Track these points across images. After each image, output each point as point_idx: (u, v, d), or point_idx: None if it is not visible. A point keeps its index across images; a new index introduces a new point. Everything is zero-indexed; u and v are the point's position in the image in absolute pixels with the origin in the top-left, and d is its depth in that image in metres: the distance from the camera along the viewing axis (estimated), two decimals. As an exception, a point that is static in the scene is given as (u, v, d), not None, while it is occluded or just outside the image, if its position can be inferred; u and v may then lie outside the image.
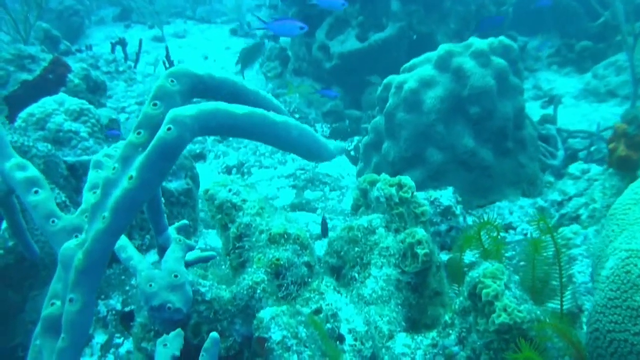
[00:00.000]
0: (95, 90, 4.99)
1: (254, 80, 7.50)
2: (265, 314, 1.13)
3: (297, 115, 5.45)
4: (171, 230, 1.49)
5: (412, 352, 1.39)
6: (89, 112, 3.54)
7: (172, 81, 0.97)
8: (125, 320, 2.74)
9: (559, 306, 1.47)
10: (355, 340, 1.26)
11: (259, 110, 0.97)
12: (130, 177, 0.85)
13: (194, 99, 1.12)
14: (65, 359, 0.90)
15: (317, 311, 1.30)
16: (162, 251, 1.51)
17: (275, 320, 1.10)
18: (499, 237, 1.82)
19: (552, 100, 6.18)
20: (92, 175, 1.18)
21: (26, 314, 2.74)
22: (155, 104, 0.95)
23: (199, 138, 5.42)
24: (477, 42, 3.46)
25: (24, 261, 2.57)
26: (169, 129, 0.85)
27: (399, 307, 1.55)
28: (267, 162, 4.61)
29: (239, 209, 1.64)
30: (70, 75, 4.71)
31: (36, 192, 1.12)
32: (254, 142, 5.08)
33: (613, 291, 1.03)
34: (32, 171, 1.16)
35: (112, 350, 2.69)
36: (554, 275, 1.46)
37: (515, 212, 3.25)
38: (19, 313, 2.70)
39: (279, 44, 7.59)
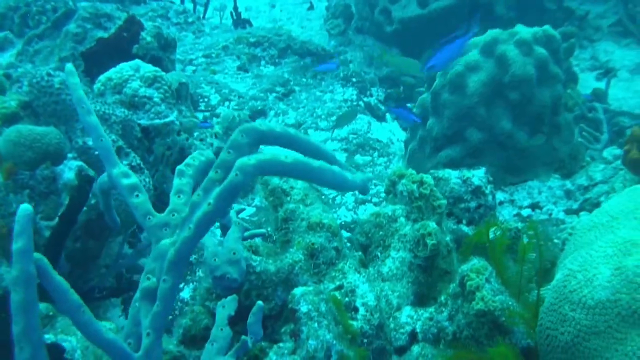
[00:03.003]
0: (165, 47, 5.29)
1: (317, 36, 7.78)
2: (297, 291, 1.54)
3: (353, 79, 5.72)
4: (232, 214, 1.90)
5: (414, 322, 1.79)
6: (162, 79, 3.89)
7: (242, 136, 1.36)
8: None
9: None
10: (367, 311, 1.66)
11: (301, 160, 1.34)
12: (209, 204, 1.25)
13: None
14: (158, 319, 1.33)
15: (339, 287, 1.71)
16: (223, 229, 1.93)
17: (304, 297, 1.51)
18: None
19: (607, 73, 6.27)
20: (176, 182, 1.59)
21: (101, 259, 3.17)
22: (229, 152, 1.34)
23: (261, 95, 5.80)
24: (522, 31, 3.71)
25: (103, 216, 3.03)
26: (236, 174, 1.24)
27: (410, 284, 1.94)
28: (323, 125, 4.96)
29: (287, 194, 2.05)
30: (143, 33, 4.89)
31: (137, 195, 1.54)
32: (312, 104, 5.43)
33: (554, 299, 1.39)
34: (134, 179, 1.58)
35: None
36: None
37: (543, 193, 3.56)
38: (96, 259, 3.14)
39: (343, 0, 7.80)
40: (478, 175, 3.30)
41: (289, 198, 2.03)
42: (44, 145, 2.97)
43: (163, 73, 3.99)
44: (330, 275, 1.75)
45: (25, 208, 1.25)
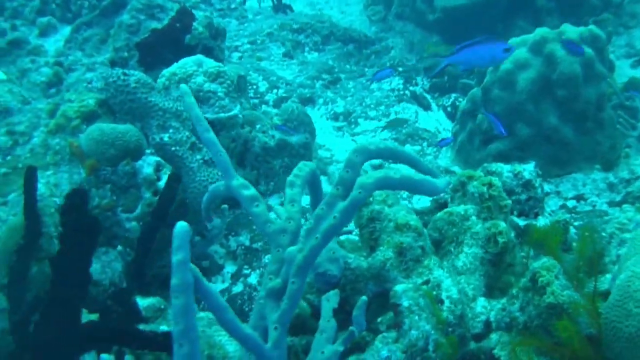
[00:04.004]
0: (216, 36, 5.47)
1: (357, 21, 7.96)
2: (399, 288, 1.82)
3: (400, 69, 5.93)
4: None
5: (488, 312, 2.07)
6: (225, 74, 4.09)
7: (356, 155, 1.63)
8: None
9: (602, 286, 2.09)
10: (451, 303, 1.94)
11: (406, 175, 1.61)
12: (335, 217, 1.53)
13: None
14: (285, 316, 1.62)
15: (426, 282, 1.99)
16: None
17: (405, 294, 1.79)
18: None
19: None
20: (289, 192, 1.85)
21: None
22: (347, 171, 1.61)
23: (308, 82, 6.03)
24: (569, 30, 3.91)
25: (180, 207, 3.28)
26: (359, 192, 1.51)
27: (481, 277, 2.21)
28: (372, 114, 5.20)
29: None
30: (195, 24, 4.99)
31: (257, 205, 1.81)
32: (360, 92, 5.66)
33: (619, 296, 1.65)
34: (253, 190, 1.85)
35: (242, 279, 3.32)
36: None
37: (587, 185, 3.79)
38: (168, 247, 3.41)
39: (384, -14, 7.94)
40: (528, 170, 3.53)
41: (371, 199, 2.30)
42: (125, 143, 3.23)
43: (226, 68, 4.22)
44: (417, 271, 2.03)
45: (182, 225, 1.50)
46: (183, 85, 2.07)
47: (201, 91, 3.96)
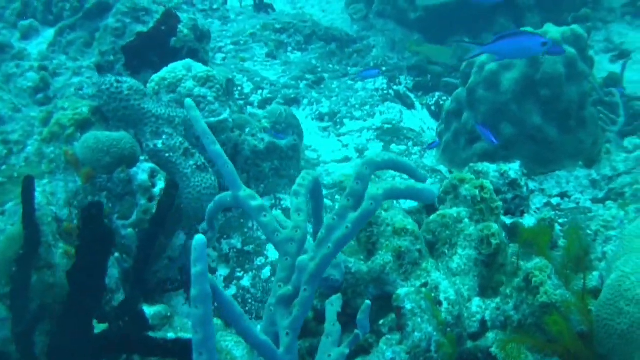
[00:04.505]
0: (201, 39, 5.49)
1: (339, 20, 8.04)
2: (401, 291, 1.90)
3: (384, 68, 6.01)
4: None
5: (483, 312, 2.15)
6: (214, 78, 4.12)
7: (365, 168, 1.71)
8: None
9: (589, 283, 2.18)
10: (449, 305, 2.02)
11: (411, 185, 1.69)
12: (347, 227, 1.60)
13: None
14: (297, 322, 1.69)
15: (425, 284, 2.07)
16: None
17: (407, 297, 1.87)
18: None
19: (622, 55, 6.51)
20: (294, 202, 1.92)
21: (166, 252, 3.36)
22: (357, 183, 1.69)
23: (292, 83, 6.09)
24: (552, 31, 4.01)
25: (175, 213, 3.30)
26: (371, 203, 1.59)
27: (475, 278, 2.30)
28: (358, 114, 5.27)
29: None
30: (180, 26, 5.00)
31: (265, 215, 1.87)
32: (344, 92, 5.73)
33: (610, 295, 1.74)
34: (259, 200, 1.92)
35: (235, 282, 3.35)
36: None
37: (571, 182, 3.90)
38: (163, 253, 3.29)
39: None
40: (514, 169, 3.63)
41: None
42: (120, 150, 3.27)
43: (215, 72, 4.26)
44: (415, 274, 2.11)
45: (200, 238, 1.56)
46: (188, 100, 2.13)
47: (191, 96, 3.98)
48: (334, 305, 1.91)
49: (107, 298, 3.07)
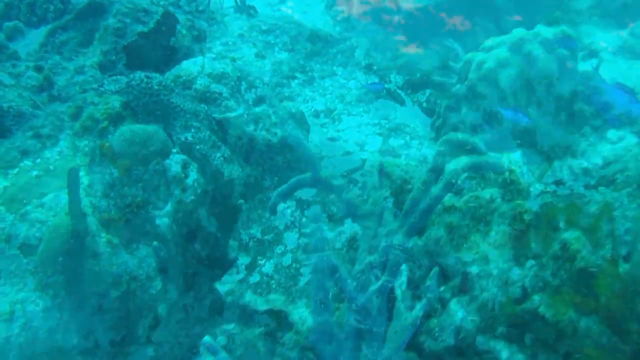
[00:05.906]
0: (198, 39, 5.67)
1: (320, 21, 8.24)
2: (468, 257, 2.15)
3: (374, 67, 6.25)
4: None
5: (523, 279, 2.42)
6: (228, 75, 4.35)
7: (444, 145, 1.95)
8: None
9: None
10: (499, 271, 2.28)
11: (484, 159, 1.94)
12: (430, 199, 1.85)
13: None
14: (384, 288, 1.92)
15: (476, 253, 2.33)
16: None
17: (474, 263, 2.12)
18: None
19: (591, 54, 6.88)
20: (370, 180, 2.16)
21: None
22: (438, 159, 1.93)
23: (284, 81, 6.29)
24: (544, 31, 4.33)
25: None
26: (452, 177, 1.83)
27: (509, 249, 2.56)
28: (354, 110, 5.50)
29: (408, 183, 2.64)
30: (178, 26, 5.25)
31: (347, 192, 2.11)
32: (339, 90, 5.95)
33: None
34: (340, 180, 2.15)
35: (257, 269, 3.52)
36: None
37: (564, 170, 4.21)
38: None
39: (345, -13, 8.22)
40: (515, 158, 3.93)
41: (410, 185, 2.62)
42: (155, 143, 3.44)
43: (229, 70, 4.44)
44: (467, 246, 2.37)
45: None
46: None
47: (208, 92, 4.15)
48: (402, 275, 2.14)
49: (145, 286, 3.24)
